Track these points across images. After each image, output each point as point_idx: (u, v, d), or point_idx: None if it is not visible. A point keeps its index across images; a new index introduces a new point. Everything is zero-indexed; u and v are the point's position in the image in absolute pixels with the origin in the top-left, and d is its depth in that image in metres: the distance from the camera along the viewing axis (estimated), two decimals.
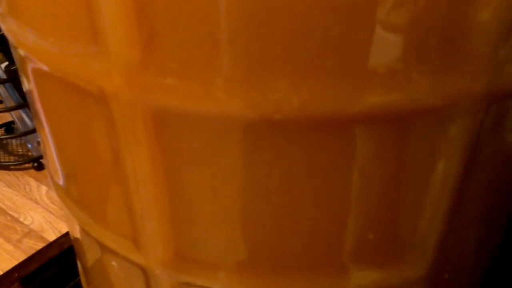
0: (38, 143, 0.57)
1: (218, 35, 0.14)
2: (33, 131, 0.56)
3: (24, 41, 0.18)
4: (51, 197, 0.53)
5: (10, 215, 0.51)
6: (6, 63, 0.54)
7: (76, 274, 0.51)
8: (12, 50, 0.22)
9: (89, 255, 0.25)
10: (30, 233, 0.49)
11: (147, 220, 0.19)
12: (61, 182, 0.23)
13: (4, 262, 0.45)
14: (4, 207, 0.52)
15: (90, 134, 0.18)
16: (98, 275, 0.26)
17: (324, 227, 0.18)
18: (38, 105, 0.21)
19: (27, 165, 0.57)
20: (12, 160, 0.57)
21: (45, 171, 0.57)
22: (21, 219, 0.50)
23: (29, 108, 0.56)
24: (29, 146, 0.57)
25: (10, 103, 0.55)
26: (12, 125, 0.63)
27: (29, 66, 0.20)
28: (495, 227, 0.23)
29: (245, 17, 0.13)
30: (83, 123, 0.18)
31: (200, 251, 0.19)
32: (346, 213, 0.18)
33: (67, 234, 0.49)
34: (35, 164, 0.56)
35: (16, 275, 0.45)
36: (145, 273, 0.21)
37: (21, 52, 0.19)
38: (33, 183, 0.55)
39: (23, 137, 0.58)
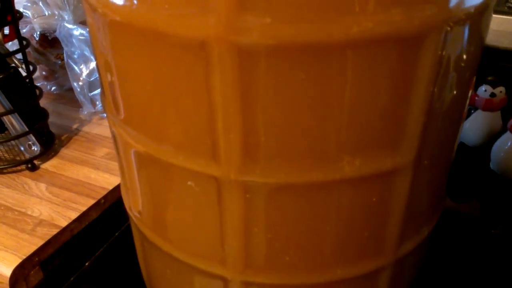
0: (30, 145, 0.60)
1: None
2: (25, 134, 0.59)
3: (125, 10, 0.25)
4: (52, 191, 0.57)
5: (17, 211, 0.54)
6: None
7: (87, 258, 0.55)
8: (89, 14, 0.28)
9: (160, 184, 0.31)
10: (41, 222, 0.52)
11: (227, 133, 0.26)
12: (123, 116, 0.29)
13: (24, 248, 0.49)
14: (9, 205, 0.55)
15: (179, 71, 0.25)
16: (169, 202, 0.32)
17: (329, 126, 0.26)
18: (110, 55, 0.28)
19: (19, 167, 0.60)
20: (5, 164, 0.60)
21: (39, 171, 0.60)
22: (29, 213, 0.53)
23: (18, 113, 0.59)
24: (22, 148, 0.60)
25: (0, 109, 0.58)
26: None
27: (106, 20, 0.26)
28: (455, 121, 0.32)
29: None
30: (173, 63, 0.25)
31: (262, 152, 0.26)
32: (350, 119, 0.26)
33: (77, 220, 0.53)
34: (29, 165, 0.59)
35: (37, 259, 0.49)
36: (218, 181, 0.28)
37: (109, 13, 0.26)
38: (30, 182, 0.58)
39: (12, 142, 0.61)
